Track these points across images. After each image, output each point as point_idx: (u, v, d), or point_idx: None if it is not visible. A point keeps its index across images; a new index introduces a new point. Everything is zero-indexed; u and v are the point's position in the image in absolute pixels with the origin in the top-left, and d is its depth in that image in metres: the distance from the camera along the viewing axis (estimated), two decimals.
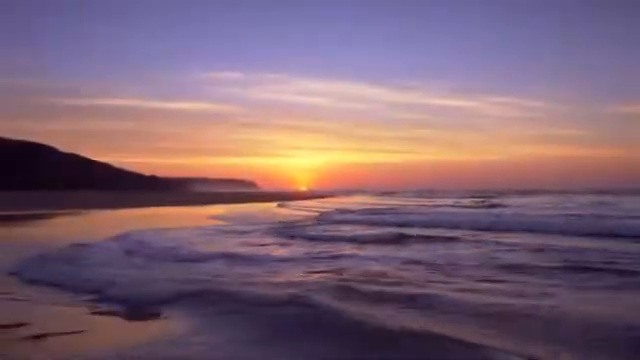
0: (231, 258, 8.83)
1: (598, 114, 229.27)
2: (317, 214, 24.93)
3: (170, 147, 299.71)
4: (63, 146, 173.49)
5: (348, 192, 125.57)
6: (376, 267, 7.82)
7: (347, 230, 14.66)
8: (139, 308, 5.68)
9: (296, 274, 7.27)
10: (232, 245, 10.98)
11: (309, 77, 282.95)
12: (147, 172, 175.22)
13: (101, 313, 5.60)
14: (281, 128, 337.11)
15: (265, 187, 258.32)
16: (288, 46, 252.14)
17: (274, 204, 41.80)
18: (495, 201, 41.29)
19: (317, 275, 7.11)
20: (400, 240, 11.51)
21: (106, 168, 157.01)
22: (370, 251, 9.76)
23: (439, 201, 45.89)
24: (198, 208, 35.12)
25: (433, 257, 8.75)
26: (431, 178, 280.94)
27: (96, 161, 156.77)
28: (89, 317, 5.47)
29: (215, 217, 23.47)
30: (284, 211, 30.79)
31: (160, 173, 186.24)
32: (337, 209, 29.17)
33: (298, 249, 10.23)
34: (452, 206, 32.19)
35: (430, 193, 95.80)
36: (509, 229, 13.93)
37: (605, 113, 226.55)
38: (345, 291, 5.78)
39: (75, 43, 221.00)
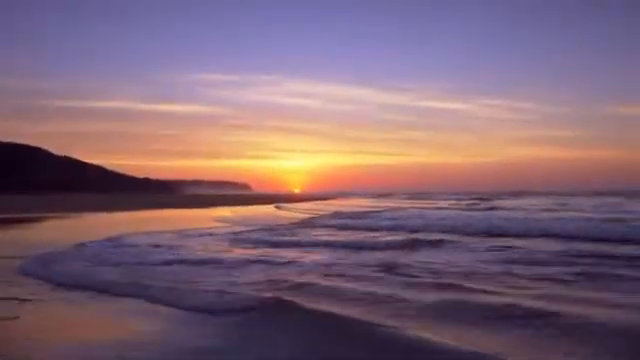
0: (268, 264, 8.63)
1: (594, 116, 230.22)
2: (319, 217, 24.72)
3: (162, 149, 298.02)
4: (56, 148, 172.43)
5: (343, 194, 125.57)
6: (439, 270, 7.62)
7: (369, 234, 14.32)
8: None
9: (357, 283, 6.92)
10: (265, 248, 10.97)
11: (302, 79, 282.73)
12: (140, 174, 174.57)
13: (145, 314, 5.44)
14: (274, 130, 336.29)
15: (258, 189, 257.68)
16: (280, 48, 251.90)
17: (273, 206, 41.57)
18: (494, 203, 41.26)
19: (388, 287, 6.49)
20: (438, 244, 11.28)
21: (99, 170, 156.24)
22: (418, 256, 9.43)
23: (438, 203, 45.86)
24: (199, 210, 34.94)
25: (486, 262, 8.45)
26: (425, 180, 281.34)
27: (89, 163, 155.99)
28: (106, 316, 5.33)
29: (225, 220, 23.18)
30: (289, 214, 30.48)
31: (152, 175, 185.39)
32: (342, 212, 29.08)
33: (336, 254, 10.01)
34: (453, 209, 32.07)
35: (425, 195, 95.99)
36: (525, 234, 13.40)
37: (601, 115, 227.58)
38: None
39: (67, 44, 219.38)
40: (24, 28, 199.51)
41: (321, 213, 28.27)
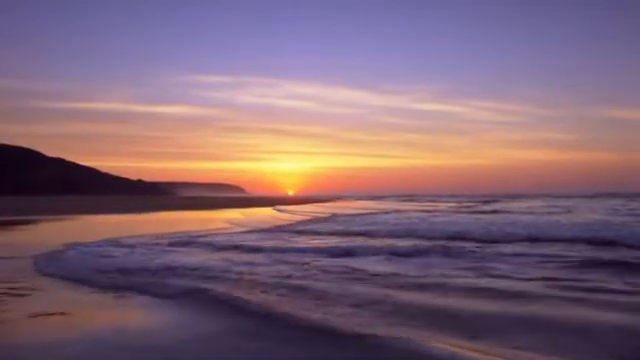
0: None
1: (588, 118, 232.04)
2: (328, 220, 24.27)
3: (155, 151, 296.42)
4: (48, 150, 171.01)
5: (339, 197, 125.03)
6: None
7: (391, 240, 13.20)
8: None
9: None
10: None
11: (296, 81, 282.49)
12: (132, 176, 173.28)
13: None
14: (268, 132, 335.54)
15: (253, 191, 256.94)
16: (275, 49, 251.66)
17: (274, 209, 41.09)
18: (494, 206, 40.96)
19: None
20: (479, 252, 10.35)
21: (92, 172, 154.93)
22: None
23: (438, 206, 45.53)
24: (208, 213, 34.59)
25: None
26: (419, 183, 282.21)
27: (82, 165, 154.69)
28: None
29: (251, 225, 22.56)
30: (297, 217, 29.88)
31: (145, 177, 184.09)
32: (349, 214, 28.68)
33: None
34: (456, 212, 31.69)
35: (421, 198, 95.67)
36: (559, 239, 12.62)
37: (595, 117, 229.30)
38: None
39: (60, 45, 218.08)
40: (16, 29, 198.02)
41: (327, 216, 27.83)
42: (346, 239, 13.75)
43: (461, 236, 13.80)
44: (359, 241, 13.05)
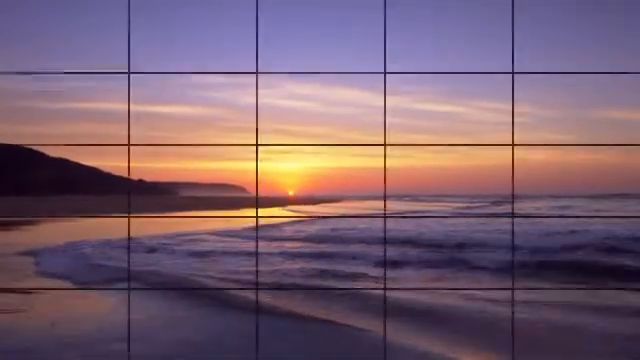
0: None
1: (589, 119, 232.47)
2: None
3: (154, 151, 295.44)
4: (50, 150, 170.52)
5: (345, 197, 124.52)
6: None
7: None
8: None
9: None
10: None
11: (298, 81, 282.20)
12: (133, 176, 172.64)
13: None
14: (269, 132, 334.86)
15: (255, 192, 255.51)
16: (276, 49, 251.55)
17: (287, 209, 40.83)
18: (503, 208, 40.67)
19: None
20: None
21: (93, 172, 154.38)
22: None
23: (448, 207, 45.24)
24: (210, 213, 34.41)
25: None
26: (421, 183, 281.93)
27: (83, 165, 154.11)
28: None
29: None
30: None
31: (146, 177, 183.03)
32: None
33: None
34: (468, 216, 31.29)
35: (427, 198, 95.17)
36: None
37: (596, 118, 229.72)
38: None
39: (60, 45, 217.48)
40: (16, 29, 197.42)
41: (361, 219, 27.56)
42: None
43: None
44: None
